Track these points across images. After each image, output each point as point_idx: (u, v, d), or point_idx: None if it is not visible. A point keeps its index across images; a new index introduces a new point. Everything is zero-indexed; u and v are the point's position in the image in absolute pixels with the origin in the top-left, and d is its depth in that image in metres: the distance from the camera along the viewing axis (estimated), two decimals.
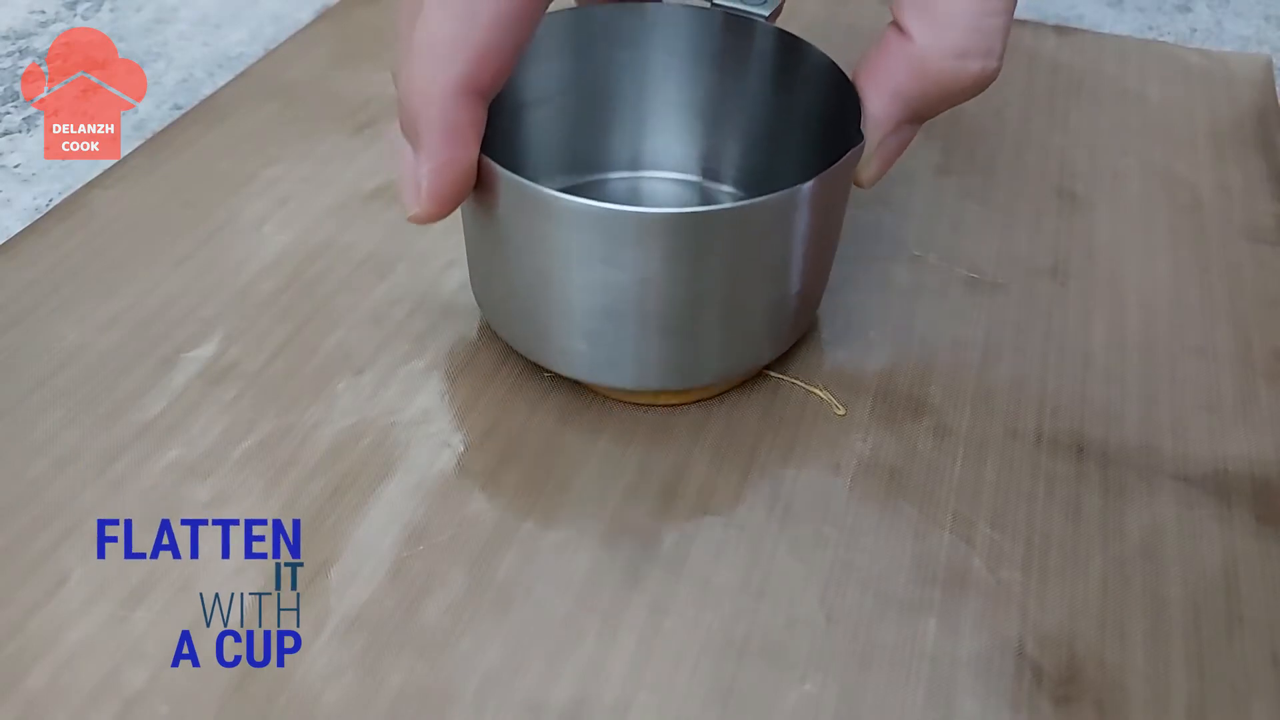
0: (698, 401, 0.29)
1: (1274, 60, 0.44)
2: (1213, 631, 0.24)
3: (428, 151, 0.24)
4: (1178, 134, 0.39)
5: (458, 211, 0.25)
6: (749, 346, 0.28)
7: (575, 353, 0.27)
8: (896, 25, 0.24)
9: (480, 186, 0.25)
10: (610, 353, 0.26)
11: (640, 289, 0.25)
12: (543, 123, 0.31)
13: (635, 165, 0.33)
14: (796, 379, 0.29)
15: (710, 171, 0.33)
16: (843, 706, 0.22)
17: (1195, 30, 0.47)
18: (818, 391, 0.29)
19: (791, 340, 0.29)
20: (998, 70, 0.24)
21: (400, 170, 0.25)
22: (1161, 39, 0.46)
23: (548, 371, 0.29)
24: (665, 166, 0.33)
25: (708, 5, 0.29)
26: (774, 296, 0.27)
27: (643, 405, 0.28)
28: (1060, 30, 0.45)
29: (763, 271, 0.26)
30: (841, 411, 0.29)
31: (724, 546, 0.25)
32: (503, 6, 0.22)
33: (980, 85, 0.24)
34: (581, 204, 0.24)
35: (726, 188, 0.33)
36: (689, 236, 0.24)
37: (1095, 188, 0.37)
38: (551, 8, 0.24)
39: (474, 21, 0.22)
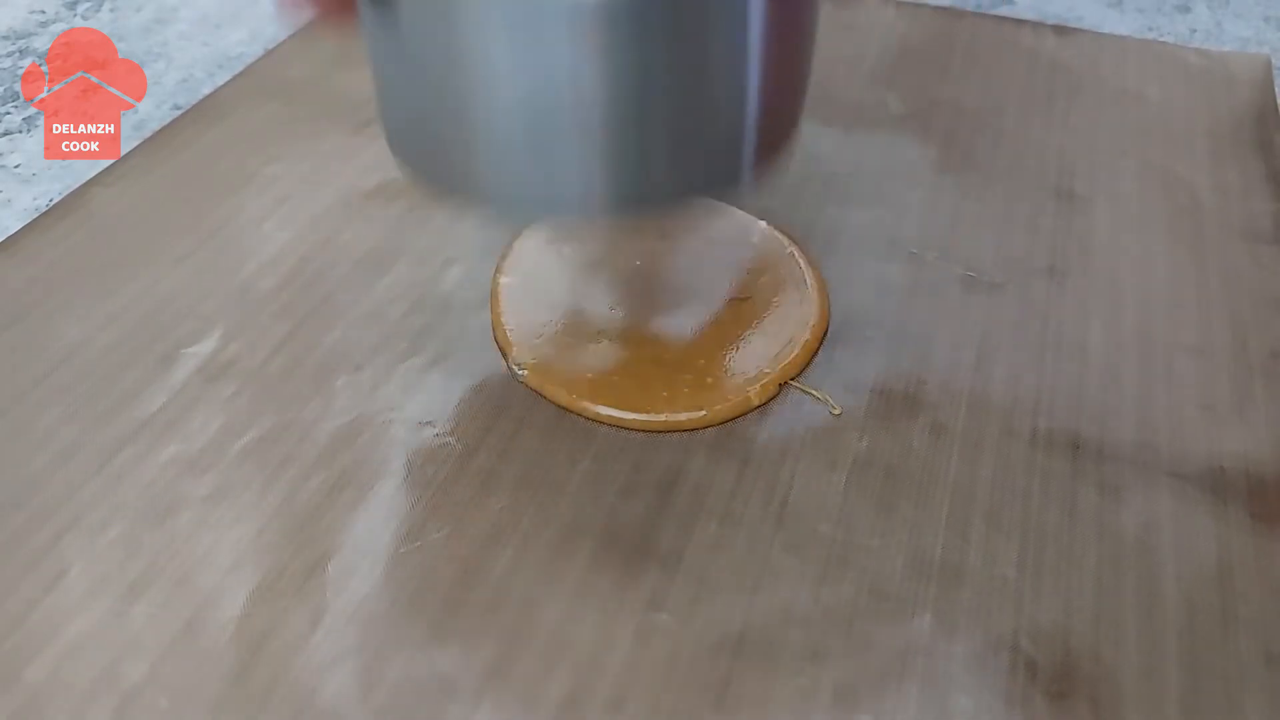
0: (707, 427, 0.28)
1: (1273, 61, 0.44)
2: (1207, 628, 0.24)
3: None
4: (1176, 134, 0.39)
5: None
6: (706, 162, 0.24)
7: (506, 177, 0.23)
8: None
9: None
10: (546, 172, 0.23)
11: (574, 91, 0.22)
12: None
13: None
14: (793, 378, 0.29)
15: None
16: (837, 702, 0.22)
17: (1195, 31, 0.47)
18: (813, 391, 0.29)
19: (760, 167, 0.25)
20: None
21: None
22: (1161, 39, 0.46)
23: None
24: None
25: None
26: (728, 96, 0.23)
27: (653, 431, 0.28)
28: (1060, 30, 0.45)
29: (711, 66, 0.23)
30: (837, 410, 0.29)
31: (720, 543, 0.25)
32: None
33: None
34: None
35: None
36: (623, 24, 0.21)
37: (1093, 187, 0.37)
38: None
39: None
